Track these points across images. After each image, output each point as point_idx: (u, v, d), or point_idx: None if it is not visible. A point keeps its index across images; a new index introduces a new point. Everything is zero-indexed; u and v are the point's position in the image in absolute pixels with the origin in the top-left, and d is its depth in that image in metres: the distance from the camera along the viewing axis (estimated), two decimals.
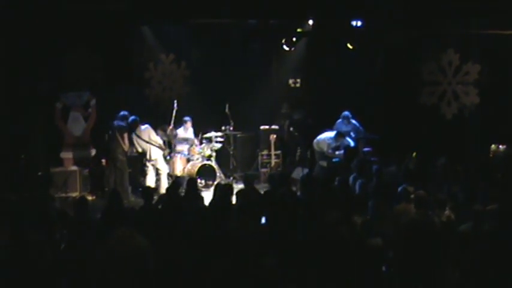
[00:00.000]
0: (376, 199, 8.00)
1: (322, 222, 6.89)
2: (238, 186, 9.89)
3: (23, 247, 5.92)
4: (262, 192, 8.94)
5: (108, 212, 7.59)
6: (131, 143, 11.63)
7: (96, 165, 12.01)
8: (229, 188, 8.35)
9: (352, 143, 12.08)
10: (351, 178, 9.31)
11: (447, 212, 7.32)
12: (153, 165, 11.81)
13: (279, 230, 7.20)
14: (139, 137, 11.58)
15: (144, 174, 11.95)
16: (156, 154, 11.77)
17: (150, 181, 11.72)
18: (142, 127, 11.66)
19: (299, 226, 7.59)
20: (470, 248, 6.46)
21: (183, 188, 9.12)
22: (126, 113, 11.50)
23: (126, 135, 11.44)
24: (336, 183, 8.87)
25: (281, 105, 14.30)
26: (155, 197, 9.35)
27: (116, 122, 11.41)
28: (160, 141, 11.87)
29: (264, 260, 5.76)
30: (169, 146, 12.34)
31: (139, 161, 12.11)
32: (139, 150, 11.75)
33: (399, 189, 8.30)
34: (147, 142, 11.63)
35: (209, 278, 5.89)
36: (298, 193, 9.21)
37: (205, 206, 8.33)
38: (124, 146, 11.41)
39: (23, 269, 5.82)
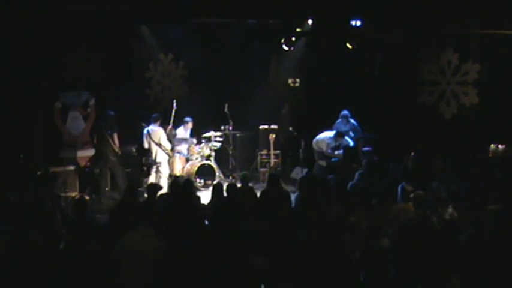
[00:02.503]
0: (380, 199, 7.99)
1: (322, 221, 6.89)
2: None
3: (22, 247, 5.93)
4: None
5: (121, 208, 7.64)
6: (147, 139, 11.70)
7: (93, 165, 12.00)
8: (236, 187, 8.46)
9: (351, 143, 12.10)
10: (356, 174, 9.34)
11: (450, 209, 7.32)
12: (156, 167, 11.81)
13: (276, 229, 7.20)
14: (150, 135, 11.62)
15: (146, 174, 11.98)
16: (161, 157, 11.78)
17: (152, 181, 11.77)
18: (155, 128, 11.67)
19: (298, 225, 7.59)
20: (471, 248, 6.46)
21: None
22: (112, 112, 11.53)
23: (115, 136, 11.47)
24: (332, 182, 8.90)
25: (282, 105, 14.31)
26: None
27: (102, 123, 11.45)
28: (169, 147, 11.86)
29: (255, 258, 5.77)
30: None
31: (139, 160, 12.12)
32: (146, 146, 11.78)
33: (399, 188, 8.30)
34: (156, 144, 11.65)
35: (208, 276, 5.90)
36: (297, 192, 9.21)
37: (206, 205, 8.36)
38: (114, 147, 11.45)
39: (23, 268, 5.82)
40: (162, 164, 11.82)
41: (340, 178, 9.08)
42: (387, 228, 6.85)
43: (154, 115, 11.85)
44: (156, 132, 11.69)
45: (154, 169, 11.84)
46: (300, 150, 13.15)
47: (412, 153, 10.44)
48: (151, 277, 5.77)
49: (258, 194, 8.87)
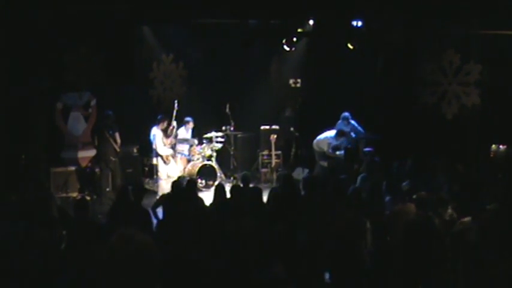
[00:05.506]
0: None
1: (326, 222, 6.89)
2: None
3: (23, 247, 5.92)
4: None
5: (115, 210, 7.61)
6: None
7: (94, 166, 12.00)
8: (239, 188, 8.47)
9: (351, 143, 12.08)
10: (358, 178, 9.31)
11: (450, 210, 7.31)
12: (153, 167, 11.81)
13: (280, 231, 7.18)
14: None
15: (147, 174, 12.00)
16: (157, 159, 11.75)
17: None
18: (156, 132, 11.65)
19: (301, 227, 7.58)
20: (471, 247, 6.45)
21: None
22: (110, 112, 11.53)
23: (117, 135, 11.46)
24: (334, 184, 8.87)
25: (283, 106, 14.29)
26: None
27: (103, 123, 11.48)
28: (164, 153, 11.81)
29: (271, 267, 5.72)
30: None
31: (140, 160, 12.10)
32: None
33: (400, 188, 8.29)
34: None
35: (210, 279, 5.87)
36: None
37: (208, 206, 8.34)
38: (115, 146, 11.45)
39: (23, 268, 5.81)
40: (159, 166, 11.76)
41: (341, 179, 9.06)
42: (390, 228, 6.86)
43: (158, 116, 11.81)
44: (155, 136, 11.69)
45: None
46: (301, 151, 13.15)
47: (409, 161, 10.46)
48: (143, 276, 5.70)
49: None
